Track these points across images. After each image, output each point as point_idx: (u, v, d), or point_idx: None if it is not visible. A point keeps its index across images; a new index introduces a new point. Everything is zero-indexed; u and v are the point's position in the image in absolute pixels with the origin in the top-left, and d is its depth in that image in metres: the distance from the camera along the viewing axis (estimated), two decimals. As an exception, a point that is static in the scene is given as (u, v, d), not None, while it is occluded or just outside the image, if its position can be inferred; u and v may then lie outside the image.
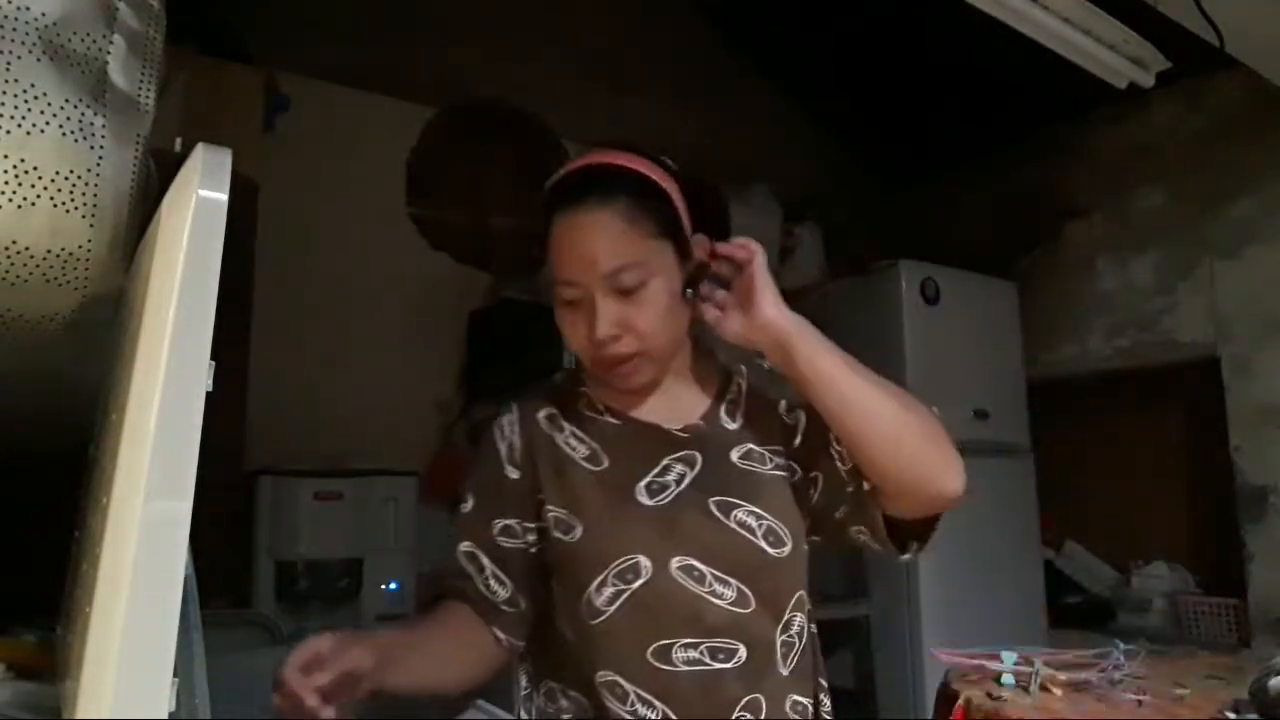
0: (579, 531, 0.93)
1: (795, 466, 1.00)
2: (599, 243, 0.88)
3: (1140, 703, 1.24)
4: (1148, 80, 2.22)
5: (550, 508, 0.96)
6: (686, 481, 0.95)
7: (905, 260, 2.90)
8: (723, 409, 1.02)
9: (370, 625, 2.33)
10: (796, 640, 0.96)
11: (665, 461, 0.96)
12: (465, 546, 0.98)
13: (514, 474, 0.98)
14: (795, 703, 0.94)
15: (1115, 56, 2.13)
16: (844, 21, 3.22)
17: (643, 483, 0.94)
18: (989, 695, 1.27)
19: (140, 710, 0.50)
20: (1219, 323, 2.82)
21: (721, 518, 0.93)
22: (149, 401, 0.55)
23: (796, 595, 0.96)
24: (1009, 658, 1.37)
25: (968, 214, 3.63)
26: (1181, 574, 2.99)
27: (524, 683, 1.00)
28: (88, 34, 0.72)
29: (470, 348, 2.95)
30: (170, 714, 0.51)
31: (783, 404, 1.01)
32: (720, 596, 0.91)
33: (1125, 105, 2.85)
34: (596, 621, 0.89)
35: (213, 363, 0.57)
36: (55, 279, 0.73)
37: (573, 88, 3.17)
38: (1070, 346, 3.24)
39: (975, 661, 1.41)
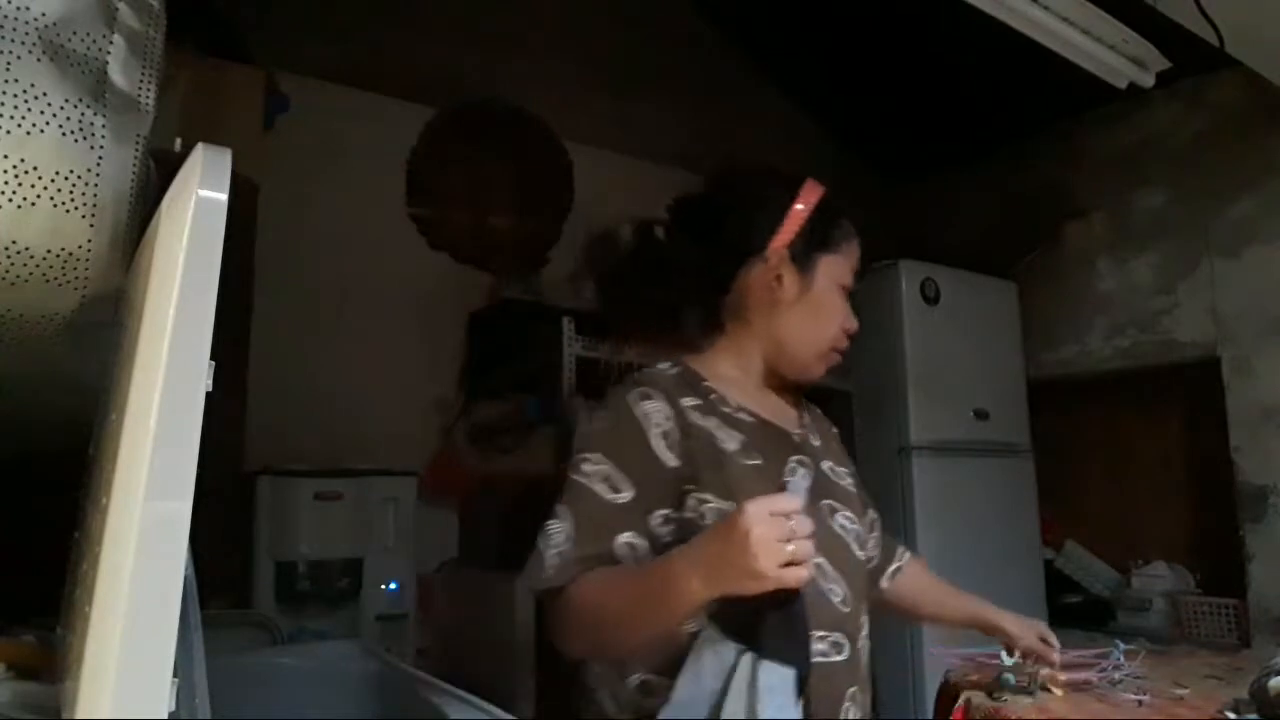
0: None
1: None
2: None
3: (1140, 702, 1.24)
4: (1148, 80, 2.22)
5: (706, 497, 0.94)
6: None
7: (905, 260, 2.89)
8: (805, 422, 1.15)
9: (370, 625, 2.33)
10: (868, 642, 1.05)
11: (791, 462, 1.03)
12: (626, 538, 0.94)
13: (674, 462, 0.96)
14: (868, 699, 1.03)
15: (1115, 56, 2.13)
16: (844, 21, 3.22)
17: (783, 480, 0.95)
18: (989, 695, 1.27)
19: (140, 710, 0.50)
20: (1219, 323, 2.82)
21: (828, 519, 1.03)
22: (149, 401, 0.55)
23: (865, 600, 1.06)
24: (1009, 658, 1.37)
25: (968, 214, 3.62)
26: (1181, 574, 2.98)
27: (591, 680, 0.99)
28: (88, 34, 0.72)
29: (470, 348, 2.95)
30: (170, 714, 0.51)
31: (837, 432, 1.21)
32: (834, 594, 0.98)
33: (1125, 105, 2.85)
34: None
35: (213, 363, 0.56)
36: (55, 279, 0.73)
37: (573, 88, 3.17)
38: (1070, 346, 3.23)
39: (975, 661, 1.41)
